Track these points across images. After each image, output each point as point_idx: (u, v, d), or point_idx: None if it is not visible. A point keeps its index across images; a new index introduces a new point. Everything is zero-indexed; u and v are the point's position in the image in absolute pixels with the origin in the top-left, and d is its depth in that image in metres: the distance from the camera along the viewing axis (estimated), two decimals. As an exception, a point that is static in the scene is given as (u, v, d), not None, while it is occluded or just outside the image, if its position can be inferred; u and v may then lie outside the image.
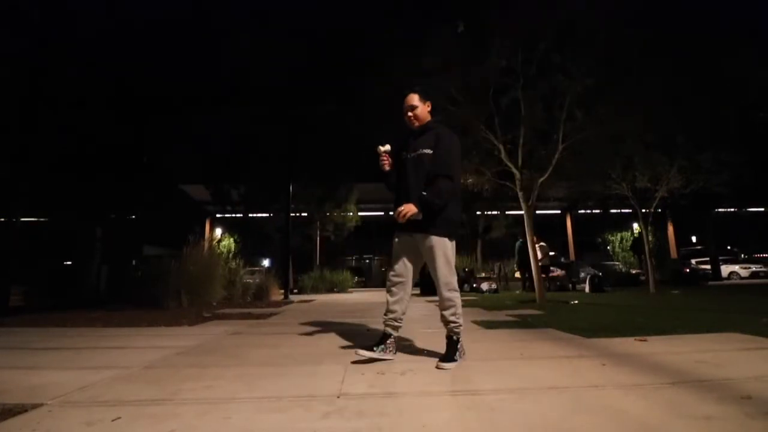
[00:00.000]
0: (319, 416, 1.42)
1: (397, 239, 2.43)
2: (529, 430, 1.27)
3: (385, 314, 2.40)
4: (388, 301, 2.39)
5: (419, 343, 2.79)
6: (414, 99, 2.44)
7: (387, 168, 2.50)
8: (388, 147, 2.50)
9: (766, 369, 1.94)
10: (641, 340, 2.80)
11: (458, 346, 2.24)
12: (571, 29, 6.46)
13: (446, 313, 2.28)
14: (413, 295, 2.91)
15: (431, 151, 2.32)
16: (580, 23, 6.42)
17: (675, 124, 8.19)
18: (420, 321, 4.28)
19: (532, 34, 6.50)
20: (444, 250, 2.27)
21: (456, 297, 2.28)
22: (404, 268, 2.39)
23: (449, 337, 2.27)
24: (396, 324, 2.37)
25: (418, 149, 2.37)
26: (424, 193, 2.22)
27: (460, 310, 2.29)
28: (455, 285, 2.29)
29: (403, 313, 2.39)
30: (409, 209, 2.22)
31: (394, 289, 2.38)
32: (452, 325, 2.26)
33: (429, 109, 2.47)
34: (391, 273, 2.43)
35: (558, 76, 6.67)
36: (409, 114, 2.45)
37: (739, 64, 7.68)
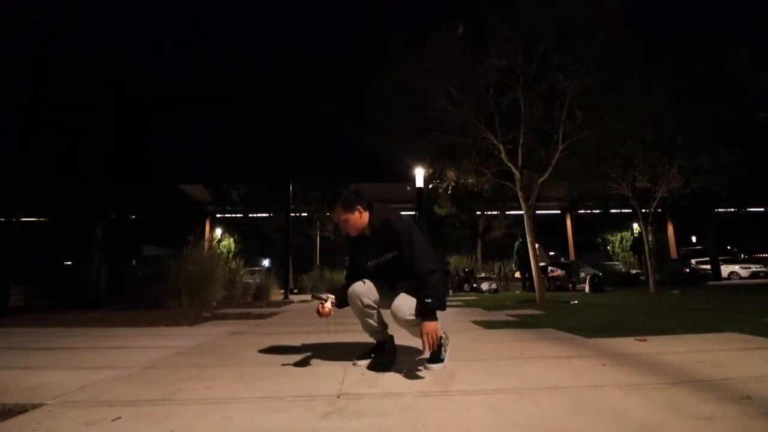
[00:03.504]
0: (319, 416, 1.42)
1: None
2: (529, 430, 1.27)
3: (369, 334, 2.32)
4: (365, 325, 2.28)
5: (419, 343, 2.78)
6: (339, 214, 2.23)
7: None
8: (331, 300, 2.32)
9: (766, 369, 1.94)
10: (641, 340, 2.80)
11: (443, 343, 2.18)
12: (571, 29, 6.46)
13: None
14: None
15: (394, 254, 2.16)
16: (579, 23, 6.41)
17: (675, 124, 8.19)
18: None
19: (532, 34, 6.49)
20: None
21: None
22: (379, 299, 2.25)
23: None
24: (382, 333, 2.31)
25: (381, 256, 2.22)
26: (428, 300, 1.99)
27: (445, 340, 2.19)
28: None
29: (384, 323, 2.31)
30: (434, 331, 1.97)
31: (366, 319, 2.25)
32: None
33: (360, 212, 2.22)
34: (364, 298, 2.20)
35: (558, 76, 6.66)
36: (346, 227, 2.27)
37: (738, 64, 7.67)
